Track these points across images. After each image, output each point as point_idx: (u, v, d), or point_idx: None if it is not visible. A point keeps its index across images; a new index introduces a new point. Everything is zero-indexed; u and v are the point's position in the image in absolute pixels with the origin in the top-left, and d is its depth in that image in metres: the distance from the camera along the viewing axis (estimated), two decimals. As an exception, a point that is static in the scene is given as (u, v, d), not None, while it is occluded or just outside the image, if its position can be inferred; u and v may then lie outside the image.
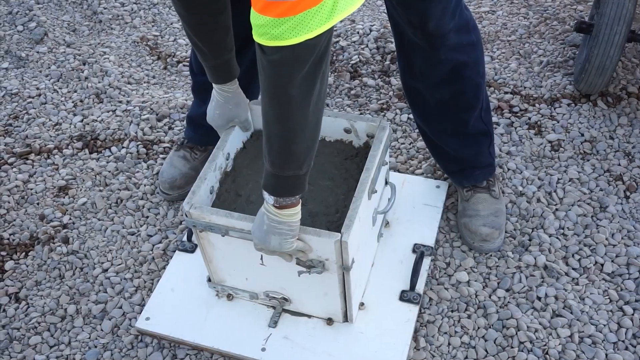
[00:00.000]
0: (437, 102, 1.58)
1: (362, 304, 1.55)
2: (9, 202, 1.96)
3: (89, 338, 1.61)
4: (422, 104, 1.63)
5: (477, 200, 1.72)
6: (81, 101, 2.29)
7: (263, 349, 1.49)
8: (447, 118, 1.62)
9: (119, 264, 1.76)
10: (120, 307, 1.66)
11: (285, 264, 1.33)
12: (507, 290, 1.61)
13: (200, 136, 1.89)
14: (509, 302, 1.59)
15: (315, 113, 1.11)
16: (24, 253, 1.82)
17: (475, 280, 1.64)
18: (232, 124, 1.52)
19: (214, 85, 1.47)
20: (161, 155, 2.06)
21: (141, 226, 1.86)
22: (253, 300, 1.55)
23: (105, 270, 1.75)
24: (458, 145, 1.67)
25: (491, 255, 1.69)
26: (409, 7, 1.40)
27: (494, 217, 1.69)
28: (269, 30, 0.96)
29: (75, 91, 2.34)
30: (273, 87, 1.05)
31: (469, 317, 1.57)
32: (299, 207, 1.24)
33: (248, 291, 1.52)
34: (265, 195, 1.20)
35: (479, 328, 1.55)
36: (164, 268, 1.72)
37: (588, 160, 1.92)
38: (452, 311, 1.58)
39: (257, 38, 0.99)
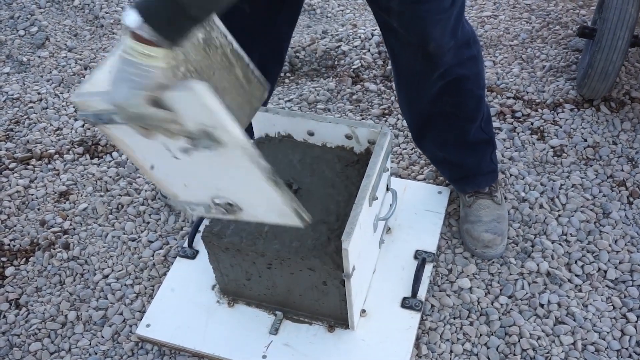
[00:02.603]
0: (438, 113, 1.58)
1: (363, 311, 1.55)
2: (9, 208, 1.96)
3: (90, 345, 1.60)
4: (419, 112, 1.63)
5: (479, 206, 1.71)
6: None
7: (264, 356, 1.48)
8: (448, 128, 1.61)
9: (120, 270, 1.76)
10: (121, 314, 1.66)
11: (200, 158, 1.04)
12: (509, 297, 1.60)
13: None
14: (511, 309, 1.58)
15: None
16: (24, 259, 1.82)
17: (478, 287, 1.63)
18: None
19: None
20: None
21: (142, 232, 1.85)
22: (208, 213, 1.23)
23: (106, 277, 1.75)
24: (460, 154, 1.67)
25: (494, 262, 1.68)
26: (408, 29, 1.39)
27: (496, 223, 1.68)
28: None
29: (77, 96, 2.34)
30: None
31: (471, 324, 1.56)
32: (166, 55, 0.94)
33: (194, 202, 1.22)
34: (130, 17, 0.90)
35: (481, 335, 1.54)
36: (164, 274, 1.71)
37: (591, 166, 1.91)
38: (454, 318, 1.57)
39: None
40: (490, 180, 1.74)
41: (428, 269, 1.62)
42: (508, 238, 1.72)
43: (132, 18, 0.90)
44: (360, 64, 2.35)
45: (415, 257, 1.65)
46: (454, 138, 1.64)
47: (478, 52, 1.53)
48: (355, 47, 2.42)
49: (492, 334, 1.54)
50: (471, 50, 1.50)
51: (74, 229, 1.88)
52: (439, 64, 1.45)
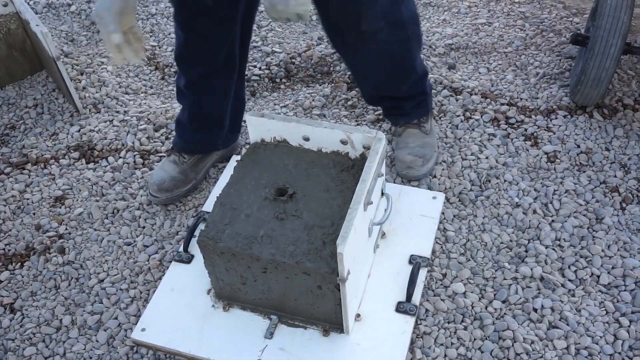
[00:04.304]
0: (373, 76, 1.80)
1: (358, 315, 1.55)
2: (5, 212, 1.96)
3: (84, 349, 1.60)
4: (356, 70, 1.87)
5: (407, 135, 1.91)
6: (78, 111, 2.29)
7: (259, 361, 1.48)
8: (383, 88, 1.85)
9: (115, 275, 1.76)
10: (116, 318, 1.66)
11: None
12: (503, 302, 1.61)
13: (184, 142, 1.92)
14: (505, 313, 1.59)
15: None
16: (19, 263, 1.82)
17: (472, 292, 1.64)
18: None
19: None
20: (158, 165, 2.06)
21: (137, 236, 1.86)
22: None
23: (101, 281, 1.75)
24: (395, 103, 1.90)
25: (488, 267, 1.69)
26: (343, 12, 1.55)
27: (420, 148, 1.86)
28: None
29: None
30: None
31: (465, 328, 1.57)
32: None
33: None
34: None
35: (475, 339, 1.55)
36: (160, 279, 1.72)
37: (584, 172, 1.93)
38: (448, 322, 1.58)
39: None
40: (423, 112, 1.92)
41: (422, 273, 1.63)
42: (502, 242, 1.73)
43: None
44: (355, 70, 2.36)
45: (410, 262, 1.65)
46: (390, 94, 1.86)
47: (407, 17, 1.66)
48: (351, 53, 2.43)
49: (486, 339, 1.55)
50: (405, 31, 1.66)
51: (70, 233, 1.88)
52: (370, 41, 1.63)
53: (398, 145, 1.92)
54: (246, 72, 2.40)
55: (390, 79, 1.80)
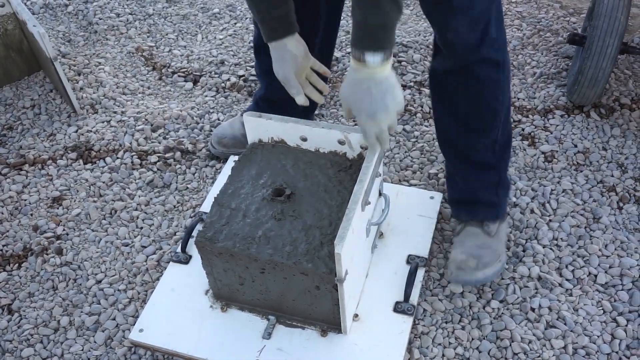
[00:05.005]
0: (452, 115, 1.57)
1: (356, 316, 1.55)
2: (2, 213, 1.95)
3: (82, 350, 1.60)
4: (437, 113, 1.65)
5: (466, 233, 1.64)
6: (75, 112, 2.29)
7: (257, 361, 1.48)
8: (457, 136, 1.59)
9: (113, 275, 1.76)
10: (114, 319, 1.66)
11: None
12: (501, 302, 1.62)
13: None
14: (502, 313, 1.59)
15: None
16: (17, 264, 1.81)
17: (469, 292, 1.64)
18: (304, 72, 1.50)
19: (272, 44, 1.46)
20: (157, 164, 2.06)
21: (135, 237, 1.86)
22: None
23: (99, 282, 1.75)
24: (462, 169, 1.64)
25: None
26: (430, 15, 1.43)
27: (477, 248, 1.57)
28: None
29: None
30: None
31: (463, 328, 1.57)
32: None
33: None
34: (370, 56, 1.19)
35: (473, 339, 1.55)
36: (158, 279, 1.72)
37: (581, 171, 1.93)
38: (446, 322, 1.58)
39: None
40: (489, 215, 1.64)
41: (420, 273, 1.63)
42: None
43: (380, 57, 1.20)
44: (353, 70, 2.36)
45: (408, 262, 1.65)
46: (461, 149, 1.60)
47: (504, 62, 1.48)
48: (348, 53, 2.44)
49: (484, 338, 1.55)
50: (494, 53, 1.44)
51: (67, 234, 1.88)
52: (458, 56, 1.44)
53: (454, 245, 1.64)
54: (243, 73, 2.41)
55: (467, 119, 1.55)
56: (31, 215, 1.95)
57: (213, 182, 1.96)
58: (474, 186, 1.64)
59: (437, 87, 1.58)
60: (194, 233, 1.71)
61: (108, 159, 2.10)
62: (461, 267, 1.56)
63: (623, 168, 1.94)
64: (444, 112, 1.61)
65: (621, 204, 1.84)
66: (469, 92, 1.50)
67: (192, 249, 1.71)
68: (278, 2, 1.42)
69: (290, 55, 1.46)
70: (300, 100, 1.49)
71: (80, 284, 1.75)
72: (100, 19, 2.75)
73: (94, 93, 2.35)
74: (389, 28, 1.19)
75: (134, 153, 2.11)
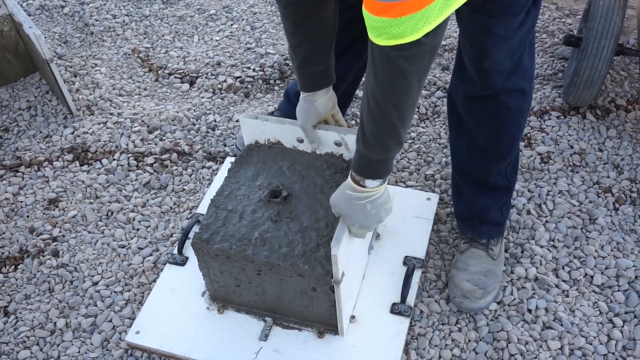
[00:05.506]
0: (472, 138, 1.55)
1: (352, 317, 1.55)
2: (-2, 215, 1.95)
3: (79, 352, 1.60)
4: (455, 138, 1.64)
5: (470, 255, 1.64)
6: (71, 113, 2.29)
7: (254, 363, 1.48)
8: (473, 161, 1.59)
9: (109, 277, 1.75)
10: (110, 321, 1.65)
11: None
12: (498, 303, 1.62)
13: (282, 114, 1.92)
14: (499, 314, 1.59)
15: (419, 93, 1.15)
16: (13, 266, 1.81)
17: (466, 293, 1.64)
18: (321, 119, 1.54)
19: (303, 94, 1.51)
20: (153, 166, 2.06)
21: (132, 239, 1.85)
22: None
23: (96, 284, 1.75)
24: (474, 191, 1.63)
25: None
26: (470, 41, 1.38)
27: (482, 276, 1.59)
28: (389, 30, 0.96)
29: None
30: (394, 78, 1.07)
31: (459, 329, 1.57)
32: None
33: None
34: (370, 182, 1.25)
35: (469, 341, 1.55)
36: (154, 281, 1.71)
37: (577, 173, 1.93)
38: (442, 324, 1.58)
39: (375, 39, 1.01)
40: (493, 233, 1.65)
41: (417, 275, 1.63)
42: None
43: (378, 182, 1.26)
44: (349, 72, 2.36)
45: (404, 263, 1.66)
46: (476, 173, 1.61)
47: (530, 91, 1.49)
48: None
49: (481, 340, 1.55)
50: (524, 83, 1.45)
51: (64, 236, 1.88)
52: (489, 83, 1.42)
53: (457, 264, 1.63)
54: (239, 74, 2.41)
55: (486, 147, 1.55)
56: (27, 217, 1.95)
57: (209, 184, 1.96)
58: (483, 206, 1.63)
59: (458, 111, 1.56)
60: (191, 235, 1.71)
61: (104, 161, 2.10)
62: (467, 296, 1.57)
63: (619, 169, 1.94)
64: (462, 136, 1.59)
65: (617, 205, 1.84)
66: (492, 119, 1.49)
67: (188, 250, 1.71)
68: (320, 58, 1.44)
69: (316, 112, 1.50)
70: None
71: (77, 286, 1.74)
72: (97, 21, 2.75)
73: (90, 94, 2.35)
74: (390, 160, 1.25)
75: (130, 154, 2.11)
